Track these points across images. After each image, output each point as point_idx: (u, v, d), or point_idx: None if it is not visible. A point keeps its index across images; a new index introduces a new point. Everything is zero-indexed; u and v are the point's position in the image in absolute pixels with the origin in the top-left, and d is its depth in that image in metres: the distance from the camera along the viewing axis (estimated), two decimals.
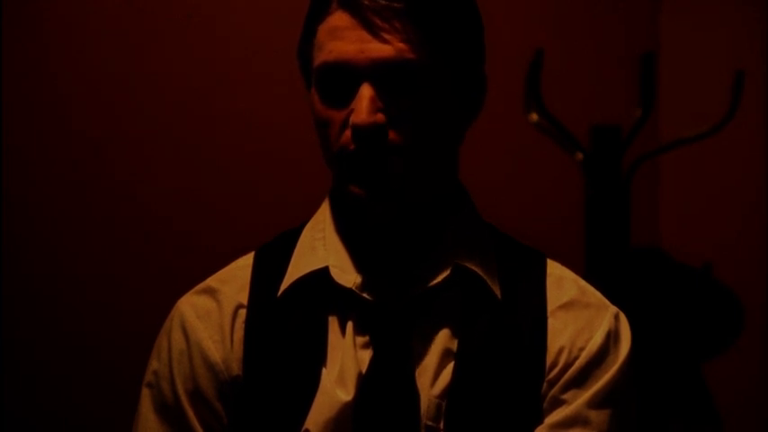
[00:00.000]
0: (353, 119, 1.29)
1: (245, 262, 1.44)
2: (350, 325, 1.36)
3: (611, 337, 1.38)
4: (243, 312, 1.40)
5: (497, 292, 1.38)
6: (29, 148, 2.89)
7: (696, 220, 3.27)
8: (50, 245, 2.89)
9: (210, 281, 1.44)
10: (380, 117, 1.29)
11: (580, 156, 2.80)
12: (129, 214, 2.92)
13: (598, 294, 1.42)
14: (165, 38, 2.94)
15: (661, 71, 3.12)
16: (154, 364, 1.42)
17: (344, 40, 1.30)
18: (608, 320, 1.39)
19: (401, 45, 1.29)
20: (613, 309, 1.41)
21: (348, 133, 1.31)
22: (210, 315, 1.40)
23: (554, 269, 1.43)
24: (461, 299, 1.37)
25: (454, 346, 1.35)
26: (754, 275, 3.22)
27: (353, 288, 1.36)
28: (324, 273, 1.38)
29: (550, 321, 1.38)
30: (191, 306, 1.42)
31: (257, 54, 2.96)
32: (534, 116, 2.82)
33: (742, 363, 3.12)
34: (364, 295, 1.36)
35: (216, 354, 1.39)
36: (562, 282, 1.41)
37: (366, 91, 1.29)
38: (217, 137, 2.95)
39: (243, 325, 1.39)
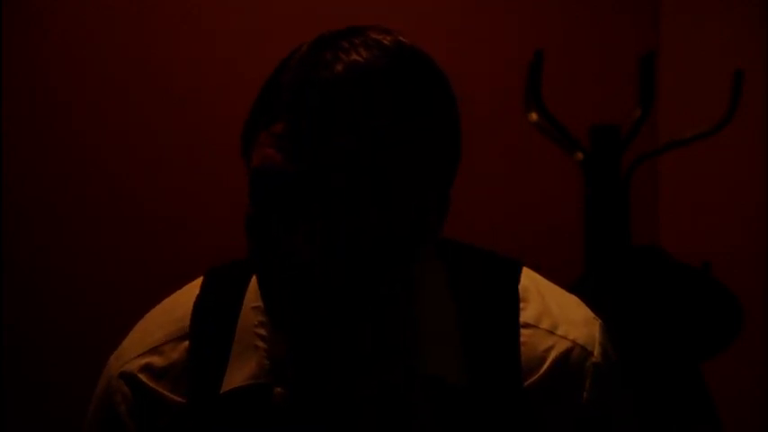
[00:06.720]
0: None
1: (182, 331, 1.29)
2: None
3: (601, 396, 1.26)
4: (181, 412, 1.26)
5: (462, 381, 1.24)
6: (29, 148, 2.89)
7: (695, 220, 3.27)
8: (50, 245, 2.89)
9: (146, 358, 1.30)
10: (309, 251, 1.13)
11: (580, 155, 2.80)
12: (129, 214, 2.92)
13: (576, 326, 1.27)
14: (165, 38, 2.94)
15: (661, 71, 3.12)
16: None
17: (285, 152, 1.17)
18: (590, 377, 1.26)
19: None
20: (592, 351, 1.26)
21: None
22: (143, 415, 1.28)
23: (526, 311, 1.27)
24: (425, 398, 1.23)
25: None
26: (754, 275, 3.22)
27: (299, 410, 1.23)
28: (266, 388, 1.24)
29: (529, 397, 1.24)
30: (122, 397, 1.31)
31: (259, 54, 2.96)
32: (534, 116, 2.81)
33: (742, 363, 3.12)
34: (312, 413, 1.23)
35: None
36: (535, 338, 1.26)
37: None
38: (218, 137, 2.95)
39: (182, 427, 1.26)
